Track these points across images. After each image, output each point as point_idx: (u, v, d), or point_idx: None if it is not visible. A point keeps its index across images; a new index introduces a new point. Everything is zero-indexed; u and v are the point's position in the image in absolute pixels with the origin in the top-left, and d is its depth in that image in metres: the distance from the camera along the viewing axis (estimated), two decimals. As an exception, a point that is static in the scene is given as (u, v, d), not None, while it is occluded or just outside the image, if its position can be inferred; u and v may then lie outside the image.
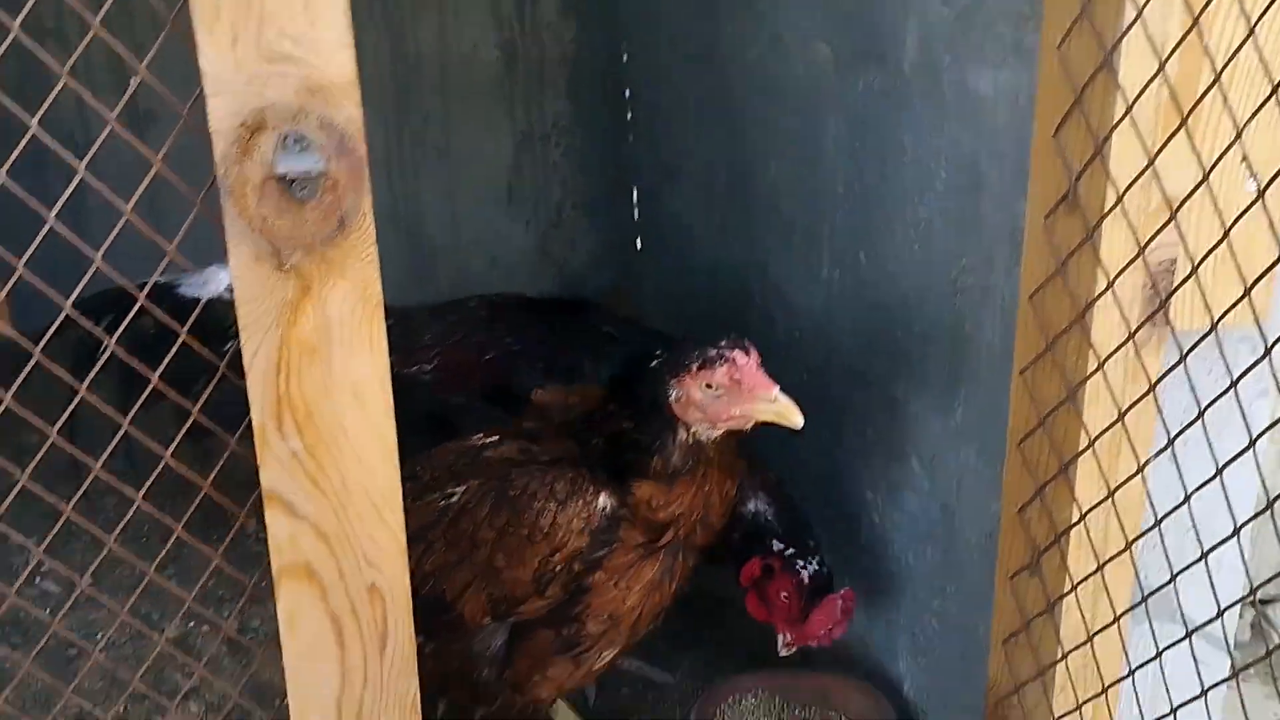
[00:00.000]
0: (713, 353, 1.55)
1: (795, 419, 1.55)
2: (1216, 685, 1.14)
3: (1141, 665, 1.24)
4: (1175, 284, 1.25)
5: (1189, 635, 1.17)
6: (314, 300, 1.18)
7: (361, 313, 1.21)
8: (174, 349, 1.24)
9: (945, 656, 2.00)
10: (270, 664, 2.28)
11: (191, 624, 2.53)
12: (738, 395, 1.56)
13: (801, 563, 1.96)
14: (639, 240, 3.93)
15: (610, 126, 3.98)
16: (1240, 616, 2.37)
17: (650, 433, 1.63)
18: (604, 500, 1.66)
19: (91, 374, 1.29)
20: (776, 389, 1.55)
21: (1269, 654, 1.05)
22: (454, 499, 1.71)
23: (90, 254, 1.13)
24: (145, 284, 1.21)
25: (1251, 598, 1.05)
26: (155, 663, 2.32)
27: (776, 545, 1.97)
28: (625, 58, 3.76)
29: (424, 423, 1.92)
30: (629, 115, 3.85)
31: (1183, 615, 1.39)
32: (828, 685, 2.16)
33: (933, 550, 1.99)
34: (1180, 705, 1.19)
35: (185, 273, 1.45)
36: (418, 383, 2.15)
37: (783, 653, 1.98)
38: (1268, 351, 0.99)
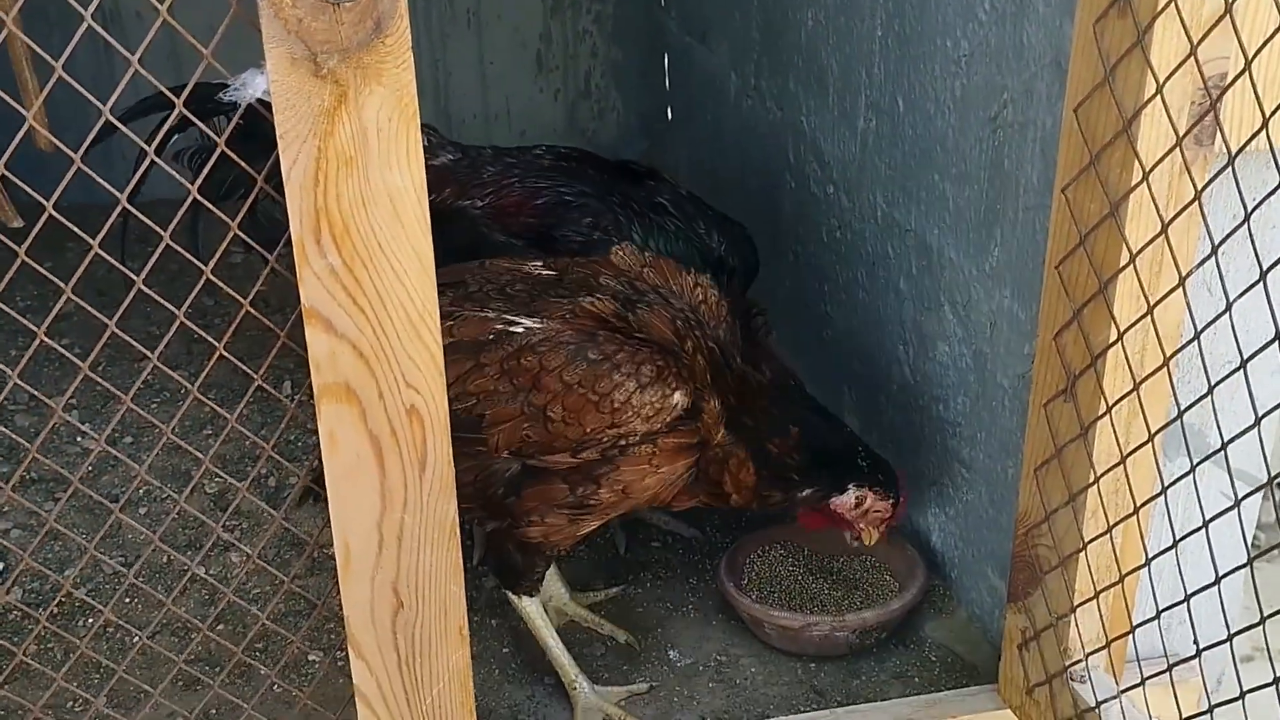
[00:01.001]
0: (894, 496, 1.89)
1: (870, 542, 1.94)
2: (1247, 496, 1.15)
3: (1174, 482, 1.24)
4: (1225, 93, 1.22)
5: (1224, 447, 1.17)
6: (350, 107, 1.17)
7: (398, 122, 1.20)
8: (212, 159, 1.24)
9: (973, 505, 2.02)
10: (308, 518, 2.35)
11: (231, 479, 2.57)
12: (867, 519, 1.89)
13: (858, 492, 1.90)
14: (669, 110, 3.88)
15: (643, -9, 3.92)
16: (1266, 499, 2.36)
17: (808, 480, 1.85)
18: (679, 398, 1.68)
19: (132, 184, 1.30)
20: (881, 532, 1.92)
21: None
22: (519, 331, 1.71)
23: (127, 57, 1.12)
24: (183, 87, 1.19)
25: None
26: (196, 515, 2.40)
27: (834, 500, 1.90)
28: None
29: (466, 254, 1.92)
30: (660, -22, 3.78)
31: (1221, 439, 1.39)
32: (857, 535, 2.18)
33: (964, 399, 2.00)
34: (1212, 519, 1.19)
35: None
36: (467, 215, 2.15)
37: (854, 545, 2.02)
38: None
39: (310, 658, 2.05)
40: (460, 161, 2.24)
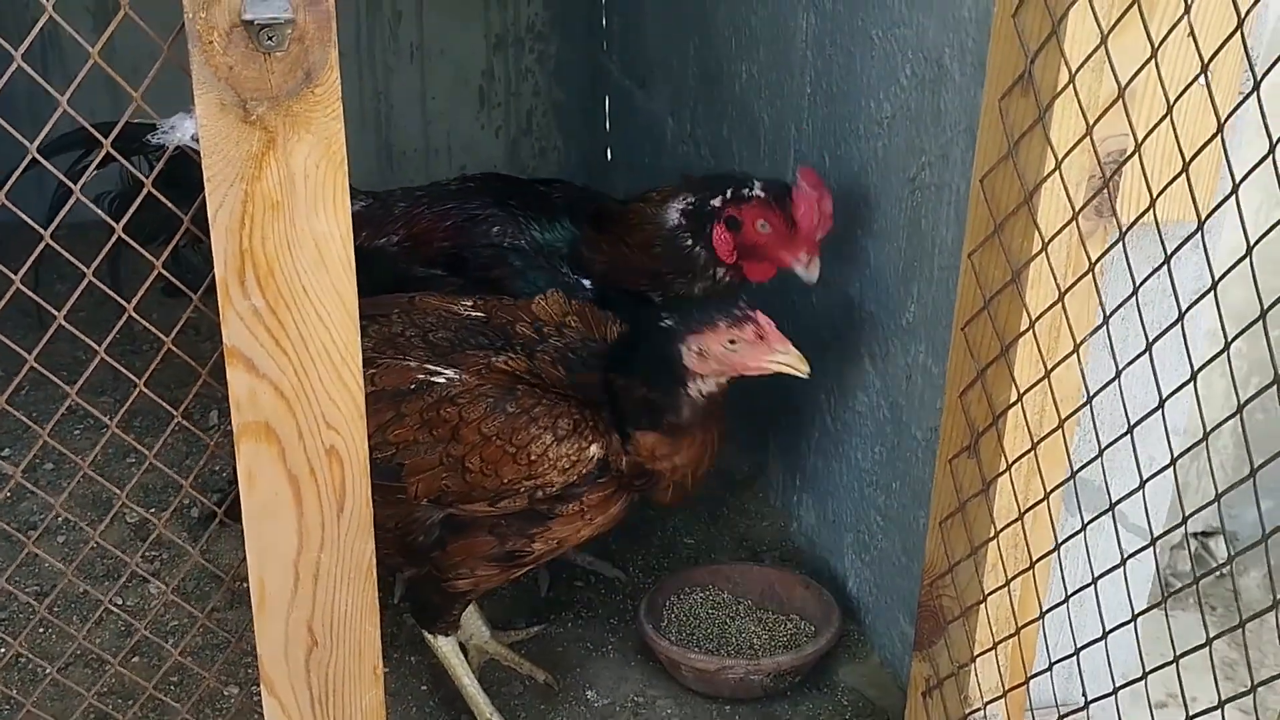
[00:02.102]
0: (737, 313, 1.69)
1: (804, 369, 1.72)
2: (1136, 553, 1.20)
3: (1067, 539, 1.30)
4: (1121, 169, 1.29)
5: (1111, 509, 1.22)
6: (278, 154, 1.20)
7: (325, 169, 1.22)
8: (138, 200, 1.26)
9: (887, 552, 2.07)
10: (229, 550, 2.34)
11: (152, 510, 2.56)
12: (757, 349, 1.71)
13: (746, 191, 1.96)
14: (609, 151, 3.93)
15: (585, 34, 3.97)
16: (1182, 547, 2.45)
17: (661, 390, 1.71)
18: (595, 450, 1.71)
19: (57, 220, 1.30)
20: (788, 344, 1.71)
21: (1197, 580, 1.11)
22: (441, 382, 1.73)
23: (56, 96, 1.14)
24: (111, 125, 1.21)
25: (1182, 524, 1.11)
26: (116, 546, 2.38)
27: (715, 202, 1.97)
28: (601, -39, 3.74)
29: (389, 291, 1.95)
30: (604, 22, 3.83)
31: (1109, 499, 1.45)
32: (773, 580, 2.22)
33: (880, 448, 2.05)
34: (1101, 575, 1.24)
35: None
36: (385, 254, 2.18)
37: (811, 277, 1.97)
38: (1200, 227, 1.03)
39: (226, 692, 2.04)
40: (372, 205, 2.27)
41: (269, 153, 1.20)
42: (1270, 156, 0.90)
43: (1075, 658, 1.26)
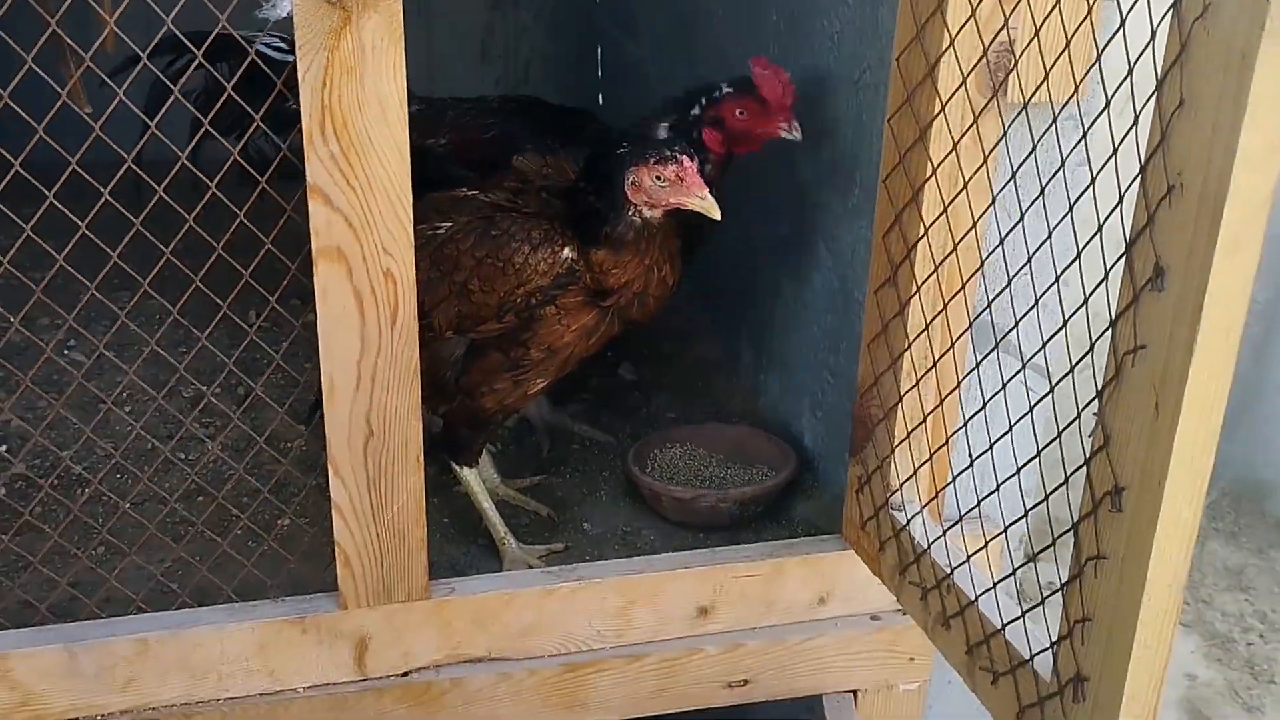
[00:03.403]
0: (666, 153, 2.01)
1: (716, 214, 2.02)
2: (1016, 375, 1.58)
3: (961, 333, 1.68)
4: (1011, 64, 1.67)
5: (989, 306, 1.60)
6: (353, 28, 1.57)
7: (389, 42, 1.59)
8: (221, 100, 1.64)
9: (836, 405, 2.44)
10: (266, 419, 2.71)
11: (204, 387, 2.92)
12: (678, 189, 2.01)
13: (716, 94, 2.35)
14: (600, 97, 4.30)
15: (578, -10, 4.34)
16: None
17: (606, 205, 2.05)
18: (567, 252, 2.07)
19: (161, 113, 1.68)
20: (706, 190, 2.02)
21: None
22: (441, 230, 2.11)
23: (158, 11, 1.50)
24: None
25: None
26: (173, 417, 2.74)
27: (694, 112, 2.37)
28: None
29: (431, 186, 2.32)
30: (595, -21, 4.21)
31: (995, 335, 1.83)
32: (743, 437, 2.60)
33: (831, 316, 2.43)
34: (984, 357, 1.63)
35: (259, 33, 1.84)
36: (432, 153, 2.55)
37: (796, 135, 2.32)
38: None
39: (280, 521, 2.41)
40: (424, 110, 2.64)
41: (345, 27, 1.57)
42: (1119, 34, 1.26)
43: (978, 460, 1.64)
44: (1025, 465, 1.49)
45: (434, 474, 2.55)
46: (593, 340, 2.18)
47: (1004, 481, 1.56)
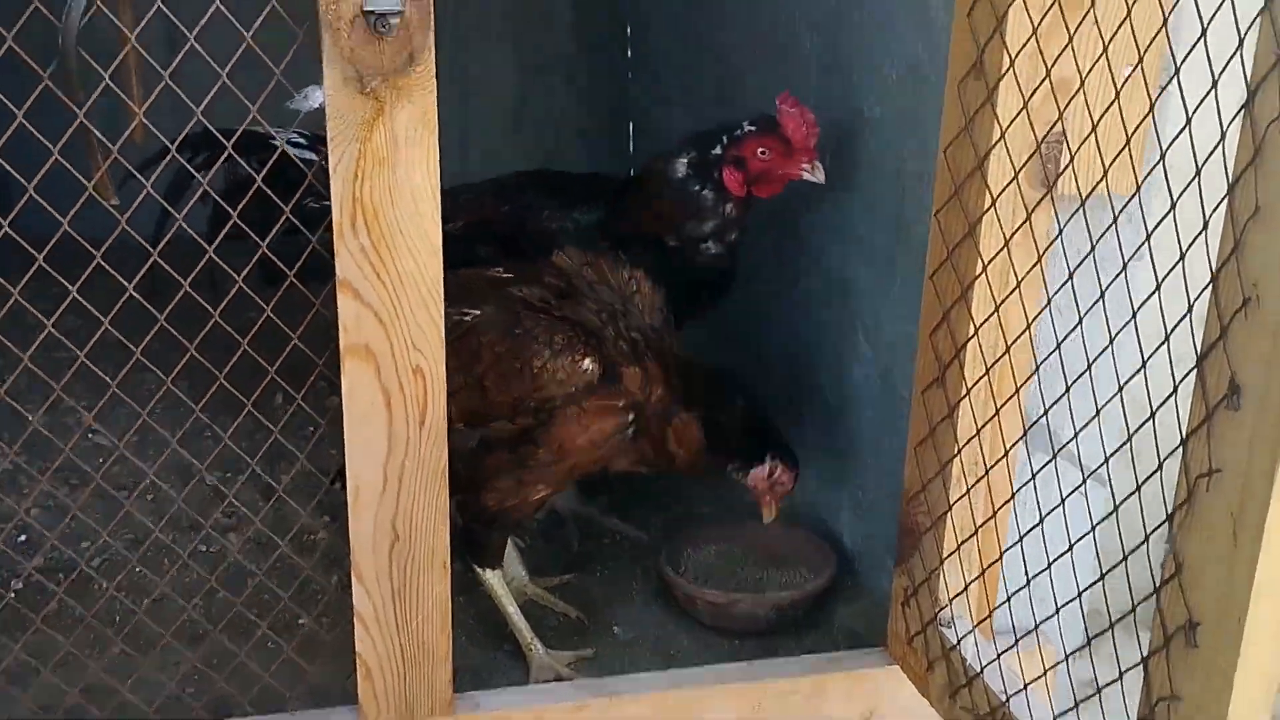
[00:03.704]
0: (798, 469, 2.18)
1: (822, 178, 2.15)
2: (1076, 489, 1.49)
3: (1015, 441, 1.59)
4: (1063, 156, 1.60)
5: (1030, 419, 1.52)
6: (386, 119, 1.52)
7: (422, 133, 1.55)
8: (248, 196, 1.60)
9: (878, 503, 2.35)
10: (293, 511, 2.65)
11: (228, 474, 2.86)
12: (773, 492, 2.17)
13: (738, 132, 2.32)
14: (631, 170, 4.27)
15: (610, 63, 4.31)
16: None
17: (738, 453, 2.13)
18: (588, 365, 2.01)
19: (187, 206, 1.64)
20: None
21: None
22: (468, 318, 2.05)
23: (189, 104, 1.47)
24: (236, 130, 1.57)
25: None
26: (196, 506, 2.68)
27: (715, 151, 2.34)
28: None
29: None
30: (628, 52, 4.19)
31: (1052, 441, 1.74)
32: (778, 535, 2.50)
33: (872, 411, 2.35)
34: (1041, 468, 1.54)
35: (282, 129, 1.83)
36: (449, 238, 2.50)
37: (819, 178, 2.30)
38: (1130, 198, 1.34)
39: (300, 621, 2.32)
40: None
41: (379, 118, 1.52)
42: (1185, 132, 1.19)
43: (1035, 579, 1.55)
44: (1087, 589, 1.39)
45: (459, 571, 2.48)
46: (609, 450, 2.11)
47: (1064, 606, 1.46)
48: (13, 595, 2.36)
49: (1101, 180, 1.43)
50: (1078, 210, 1.54)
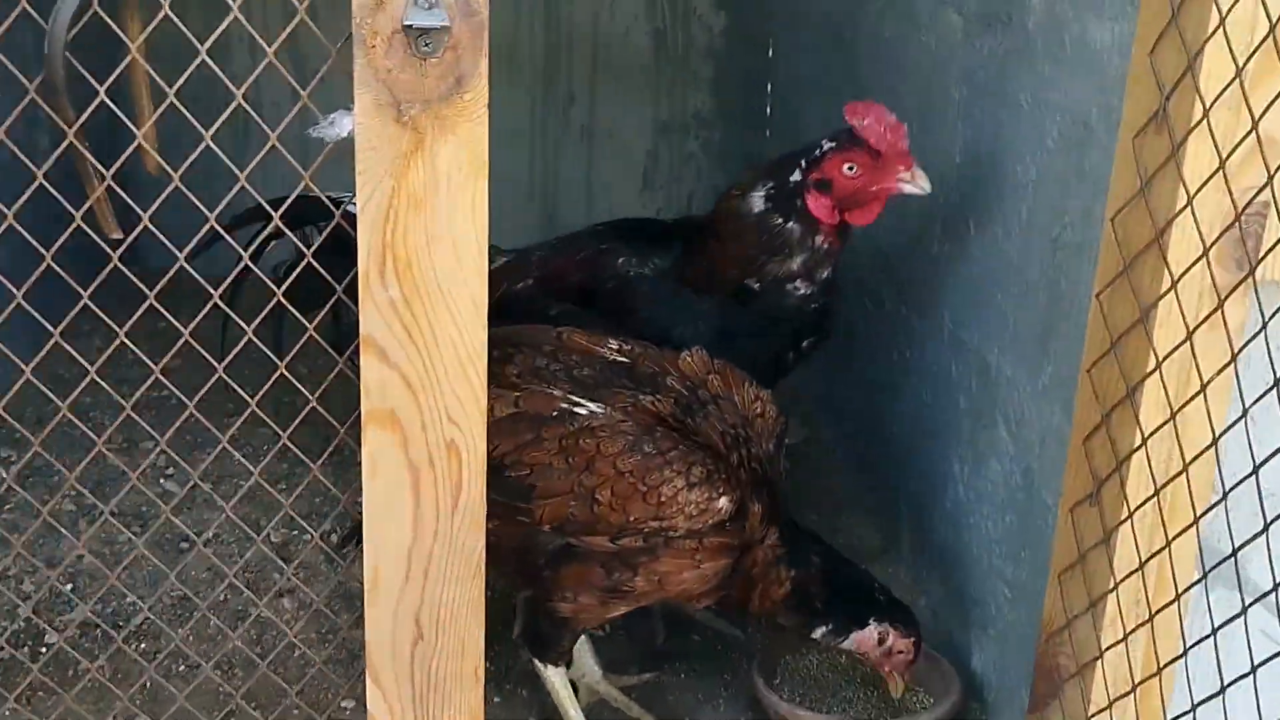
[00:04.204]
0: (919, 635, 1.91)
1: (926, 185, 1.89)
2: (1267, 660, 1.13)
3: (1192, 585, 1.24)
4: (1266, 231, 1.26)
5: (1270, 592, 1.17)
6: (425, 154, 1.28)
7: (468, 171, 1.29)
8: (297, 270, 1.37)
9: (1014, 625, 2.00)
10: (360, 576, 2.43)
11: (294, 532, 2.67)
12: (892, 662, 1.90)
13: (818, 152, 2.04)
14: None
15: (749, 120, 4.06)
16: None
17: (823, 615, 1.87)
18: (724, 503, 1.74)
19: (226, 282, 1.42)
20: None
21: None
22: (584, 413, 1.78)
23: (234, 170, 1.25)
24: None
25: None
26: (257, 563, 2.49)
27: (794, 177, 2.06)
28: (770, 51, 3.83)
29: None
30: (768, 110, 3.93)
31: (1240, 580, 1.38)
32: (897, 648, 2.17)
33: (1011, 516, 2.00)
34: (1225, 623, 1.19)
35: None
36: (520, 297, 2.26)
37: (923, 186, 2.02)
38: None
39: (343, 704, 2.09)
40: (511, 261, 2.36)
41: (417, 152, 1.28)
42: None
43: None
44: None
45: (525, 660, 2.21)
46: (706, 588, 1.84)
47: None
48: (43, 650, 2.18)
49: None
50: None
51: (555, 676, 1.94)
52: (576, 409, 1.79)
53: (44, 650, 2.17)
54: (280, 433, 1.47)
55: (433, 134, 1.27)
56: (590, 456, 1.75)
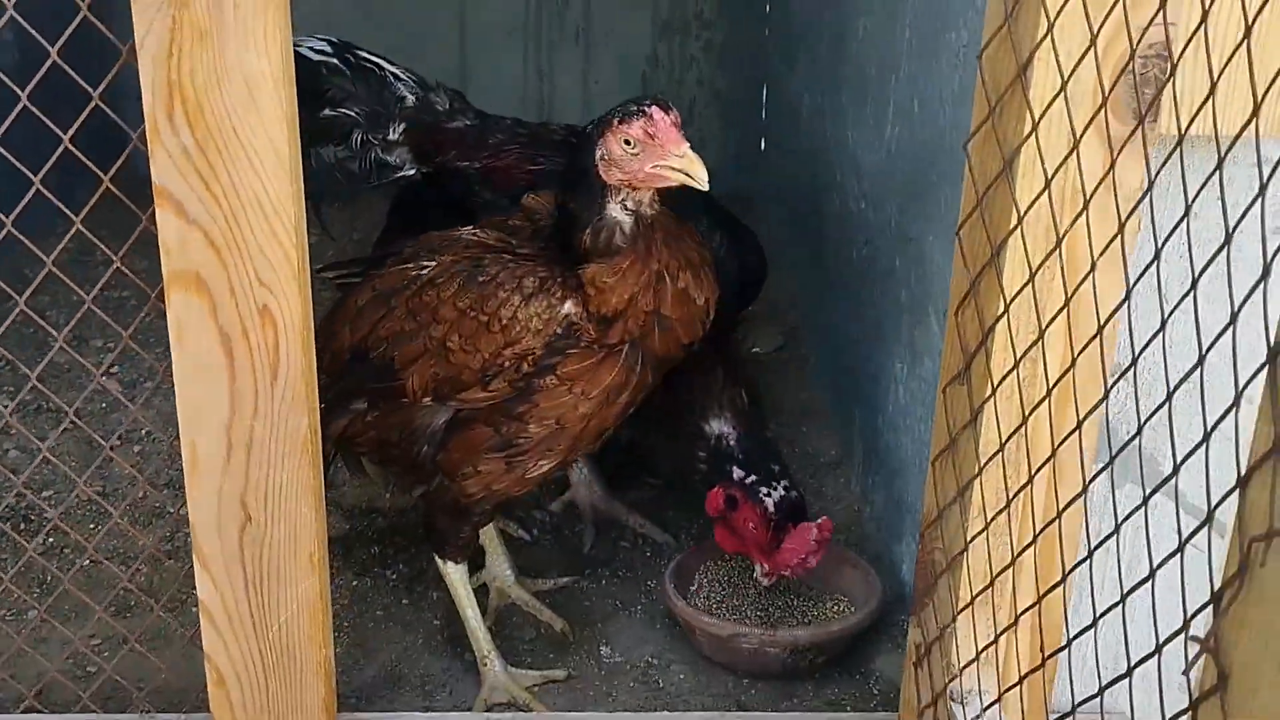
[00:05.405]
0: (633, 107, 1.53)
1: (700, 173, 1.51)
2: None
3: (1045, 463, 1.10)
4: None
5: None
6: (206, -21, 1.16)
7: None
8: None
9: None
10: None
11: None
12: (650, 150, 1.54)
13: (765, 490, 1.89)
14: (763, 140, 3.81)
15: (749, 20, 3.87)
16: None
17: (584, 202, 1.59)
18: (569, 307, 1.60)
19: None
20: (686, 145, 1.51)
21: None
22: (424, 271, 1.68)
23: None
24: None
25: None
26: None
27: (737, 473, 1.91)
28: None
29: (458, 210, 1.94)
30: (767, 7, 3.74)
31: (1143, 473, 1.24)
32: (823, 562, 2.01)
33: (940, 415, 1.85)
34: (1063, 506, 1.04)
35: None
36: (463, 175, 2.14)
37: (763, 582, 1.94)
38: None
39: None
40: (474, 127, 2.22)
41: (198, -24, 1.16)
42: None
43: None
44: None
45: (427, 563, 2.11)
46: (619, 402, 1.69)
47: (1124, 675, 0.93)
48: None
49: (1251, 121, 0.89)
50: (1174, 151, 1.02)
51: (455, 573, 1.85)
52: (420, 271, 1.70)
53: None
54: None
55: (215, -44, 1.16)
56: (434, 308, 1.65)
